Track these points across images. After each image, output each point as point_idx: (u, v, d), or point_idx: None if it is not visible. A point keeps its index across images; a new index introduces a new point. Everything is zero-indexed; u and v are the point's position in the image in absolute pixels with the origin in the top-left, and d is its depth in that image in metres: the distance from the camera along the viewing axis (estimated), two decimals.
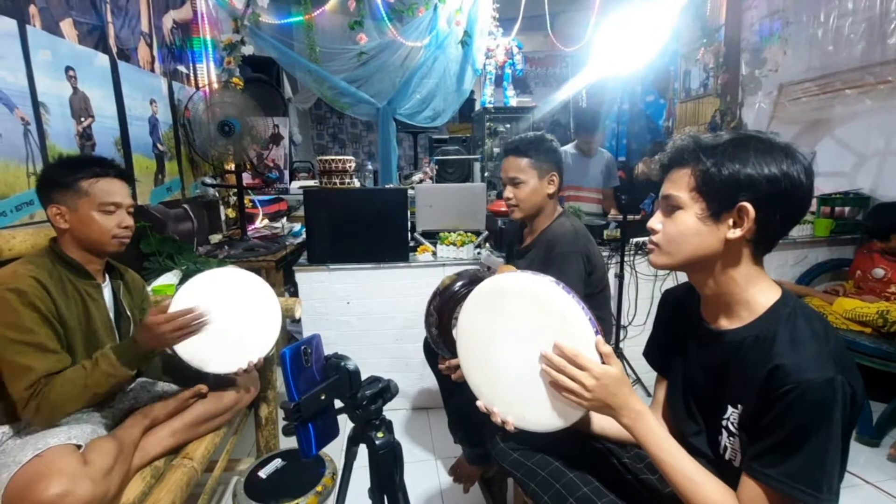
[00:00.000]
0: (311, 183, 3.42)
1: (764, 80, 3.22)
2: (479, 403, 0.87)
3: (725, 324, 0.82)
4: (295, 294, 2.24)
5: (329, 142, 6.66)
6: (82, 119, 1.87)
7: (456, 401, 1.55)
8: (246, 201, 2.70)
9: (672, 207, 0.80)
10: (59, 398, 1.05)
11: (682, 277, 0.90)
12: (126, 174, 1.29)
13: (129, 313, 1.35)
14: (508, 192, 1.53)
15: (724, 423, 0.81)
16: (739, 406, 0.78)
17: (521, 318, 0.85)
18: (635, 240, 2.25)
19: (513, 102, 3.63)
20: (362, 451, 0.91)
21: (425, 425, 2.17)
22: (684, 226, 0.79)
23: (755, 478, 0.71)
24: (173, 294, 1.34)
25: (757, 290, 0.79)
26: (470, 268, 1.63)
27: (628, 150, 3.07)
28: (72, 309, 1.16)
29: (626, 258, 2.23)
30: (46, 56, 1.68)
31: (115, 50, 2.09)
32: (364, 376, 0.89)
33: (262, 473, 1.31)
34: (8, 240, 1.32)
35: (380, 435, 0.86)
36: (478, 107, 3.99)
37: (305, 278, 2.19)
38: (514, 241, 1.74)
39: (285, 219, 3.12)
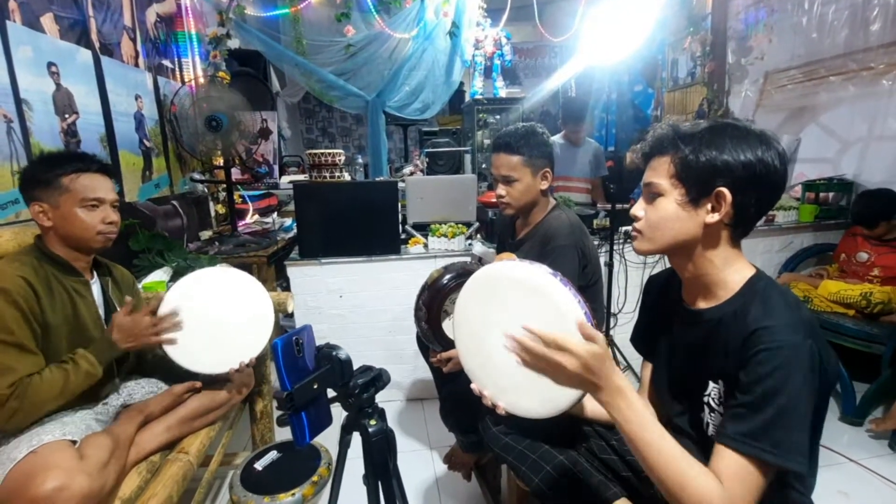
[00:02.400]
0: (301, 177, 3.41)
1: (750, 68, 3.24)
2: (472, 386, 0.88)
3: (703, 304, 0.85)
4: (287, 289, 2.24)
5: (319, 136, 6.61)
6: (66, 116, 1.85)
7: (449, 389, 1.57)
8: (236, 197, 2.69)
9: (653, 195, 0.83)
10: (39, 398, 1.04)
11: (668, 267, 0.92)
12: (108, 168, 1.26)
13: (119, 309, 1.34)
14: (501, 189, 1.49)
15: (705, 399, 0.83)
16: (720, 381, 0.80)
17: (515, 307, 0.85)
18: (624, 228, 2.28)
19: (502, 93, 3.62)
20: (356, 438, 0.92)
21: (420, 416, 2.19)
22: (665, 212, 0.81)
23: (720, 441, 0.72)
24: (163, 290, 1.35)
25: (732, 270, 0.81)
26: (458, 261, 1.63)
27: (617, 140, 3.08)
28: (57, 307, 1.15)
29: (615, 247, 2.25)
30: (27, 52, 1.65)
31: (97, 45, 2.06)
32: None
33: (259, 465, 1.32)
34: None
35: (373, 422, 0.87)
36: (467, 98, 3.99)
37: (297, 273, 2.19)
38: (505, 234, 1.74)
39: (276, 214, 3.11)
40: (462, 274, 1.41)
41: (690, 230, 0.80)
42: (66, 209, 1.17)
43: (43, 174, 1.16)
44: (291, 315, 2.02)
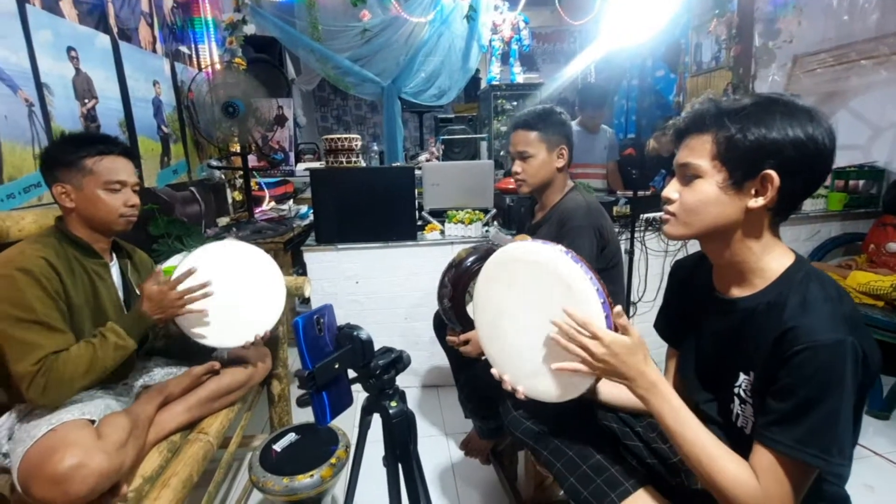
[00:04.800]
0: (316, 164, 3.41)
1: (778, 51, 3.13)
2: (493, 371, 0.87)
3: (737, 292, 0.81)
4: (304, 275, 2.24)
5: (333, 124, 6.61)
6: (86, 101, 1.86)
7: (467, 375, 1.56)
8: (252, 184, 2.69)
9: (690, 176, 0.78)
10: (67, 374, 1.03)
11: (694, 251, 0.89)
12: (131, 151, 1.27)
13: (138, 292, 1.35)
14: (517, 166, 1.51)
15: (735, 390, 0.80)
16: (751, 373, 0.77)
17: (529, 287, 0.84)
18: (646, 216, 2.23)
19: (519, 79, 3.56)
20: (376, 420, 0.92)
21: (436, 402, 2.19)
22: (704, 195, 0.76)
23: (765, 444, 0.70)
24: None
25: (771, 258, 0.77)
26: (484, 243, 1.62)
27: (638, 127, 3.01)
28: (79, 288, 1.15)
29: (636, 234, 2.21)
30: (47, 36, 1.66)
31: (115, 30, 2.06)
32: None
33: (277, 447, 1.33)
34: (17, 221, 1.33)
35: (393, 404, 0.86)
36: (483, 85, 3.93)
37: (314, 258, 2.19)
38: (525, 218, 1.73)
39: (292, 201, 3.11)
40: (489, 255, 1.40)
41: (731, 215, 0.76)
42: (89, 191, 1.17)
43: (66, 155, 1.16)
44: (308, 300, 2.02)
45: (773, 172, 0.71)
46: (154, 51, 2.40)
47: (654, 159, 2.73)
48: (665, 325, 1.02)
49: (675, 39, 3.67)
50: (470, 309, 1.43)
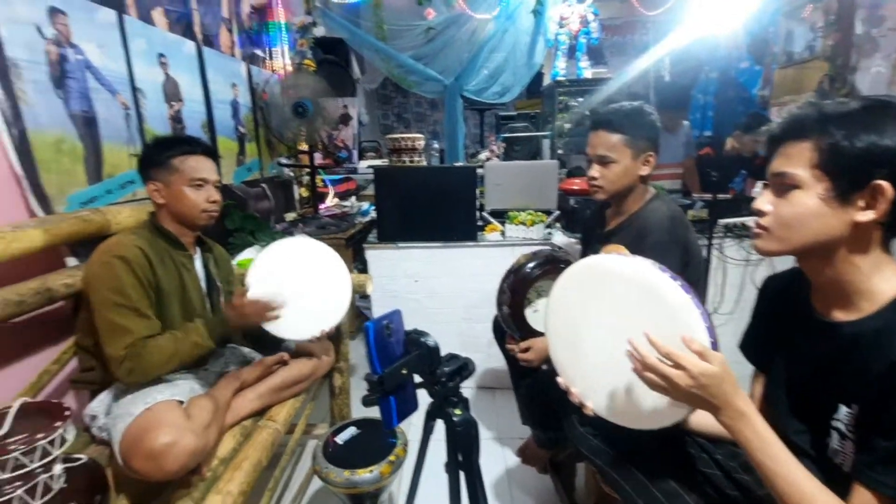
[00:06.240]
0: (378, 162, 3.48)
1: (882, 40, 2.79)
2: (559, 380, 0.83)
3: (841, 315, 0.73)
4: (363, 271, 2.30)
5: (394, 121, 6.71)
6: (173, 104, 1.99)
7: (528, 383, 1.52)
8: (317, 181, 2.79)
9: (786, 187, 0.71)
10: (151, 360, 1.12)
11: (778, 263, 0.81)
12: (212, 151, 1.36)
13: (218, 283, 1.44)
14: (595, 171, 1.36)
15: (834, 423, 0.73)
16: (854, 406, 0.69)
17: (624, 307, 0.78)
18: (725, 221, 2.07)
19: (587, 74, 3.43)
20: (438, 426, 0.91)
21: (491, 405, 2.17)
22: (803, 208, 0.69)
23: (867, 485, 0.63)
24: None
25: (881, 278, 0.69)
26: (544, 248, 1.56)
27: (717, 124, 2.79)
28: (169, 277, 1.25)
29: (713, 241, 2.06)
30: (141, 44, 1.79)
31: (200, 37, 2.20)
32: None
33: (339, 439, 1.37)
34: (115, 215, 1.46)
35: (457, 412, 0.85)
36: (547, 80, 3.83)
37: (375, 256, 2.24)
38: (593, 224, 1.60)
39: (354, 197, 3.20)
40: (549, 261, 1.35)
41: (835, 230, 0.68)
42: (176, 188, 1.27)
43: (157, 156, 1.27)
44: (369, 297, 2.06)
45: (885, 183, 0.64)
46: (233, 55, 2.54)
47: (734, 159, 2.53)
48: (753, 346, 0.94)
49: (763, 27, 3.37)
50: (528, 313, 1.39)
